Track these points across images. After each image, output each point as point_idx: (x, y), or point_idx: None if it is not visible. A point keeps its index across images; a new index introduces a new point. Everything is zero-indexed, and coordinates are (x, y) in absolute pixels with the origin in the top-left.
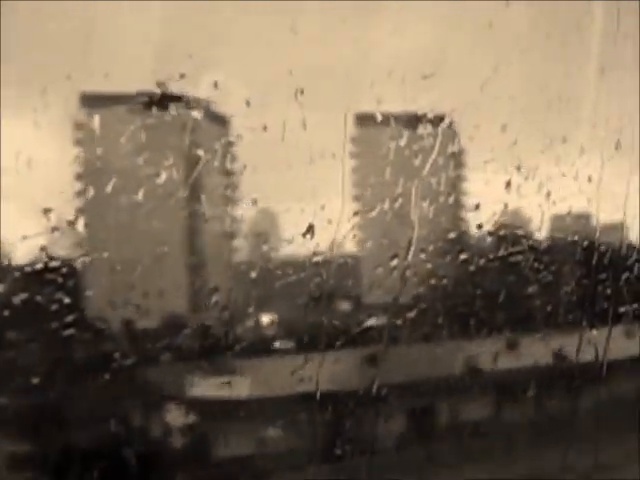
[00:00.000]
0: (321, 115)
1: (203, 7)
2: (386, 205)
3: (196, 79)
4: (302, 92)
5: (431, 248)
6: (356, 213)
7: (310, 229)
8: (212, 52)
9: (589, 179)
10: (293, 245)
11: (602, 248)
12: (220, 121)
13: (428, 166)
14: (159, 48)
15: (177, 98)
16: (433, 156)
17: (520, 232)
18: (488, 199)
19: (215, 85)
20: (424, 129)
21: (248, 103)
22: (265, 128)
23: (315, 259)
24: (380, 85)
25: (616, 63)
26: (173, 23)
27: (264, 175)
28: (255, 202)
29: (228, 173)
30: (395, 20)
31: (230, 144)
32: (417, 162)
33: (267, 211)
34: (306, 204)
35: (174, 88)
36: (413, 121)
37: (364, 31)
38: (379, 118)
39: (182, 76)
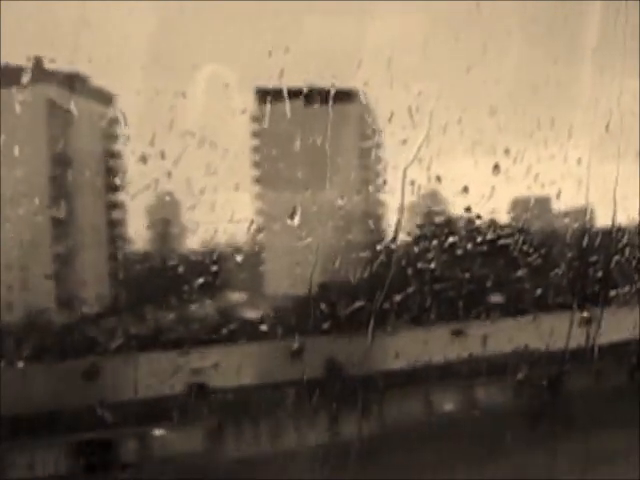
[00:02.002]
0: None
1: None
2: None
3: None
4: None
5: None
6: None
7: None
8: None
9: (578, 161)
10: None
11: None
12: (103, 99)
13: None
14: None
15: (48, 74)
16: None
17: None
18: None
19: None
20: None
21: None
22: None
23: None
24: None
25: (606, 45)
26: None
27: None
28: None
29: (111, 155)
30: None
31: (115, 122)
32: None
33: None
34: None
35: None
36: None
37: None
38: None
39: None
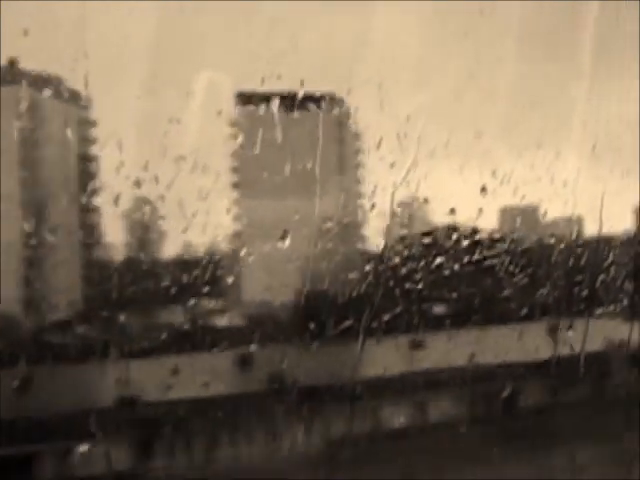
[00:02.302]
0: None
1: None
2: None
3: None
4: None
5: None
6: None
7: None
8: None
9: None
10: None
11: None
12: (75, 100)
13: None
14: None
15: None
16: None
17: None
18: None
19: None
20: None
21: None
22: None
23: None
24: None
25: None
26: None
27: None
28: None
29: (86, 159)
30: (376, 27)
31: (90, 124)
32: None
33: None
34: None
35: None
36: None
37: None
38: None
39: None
